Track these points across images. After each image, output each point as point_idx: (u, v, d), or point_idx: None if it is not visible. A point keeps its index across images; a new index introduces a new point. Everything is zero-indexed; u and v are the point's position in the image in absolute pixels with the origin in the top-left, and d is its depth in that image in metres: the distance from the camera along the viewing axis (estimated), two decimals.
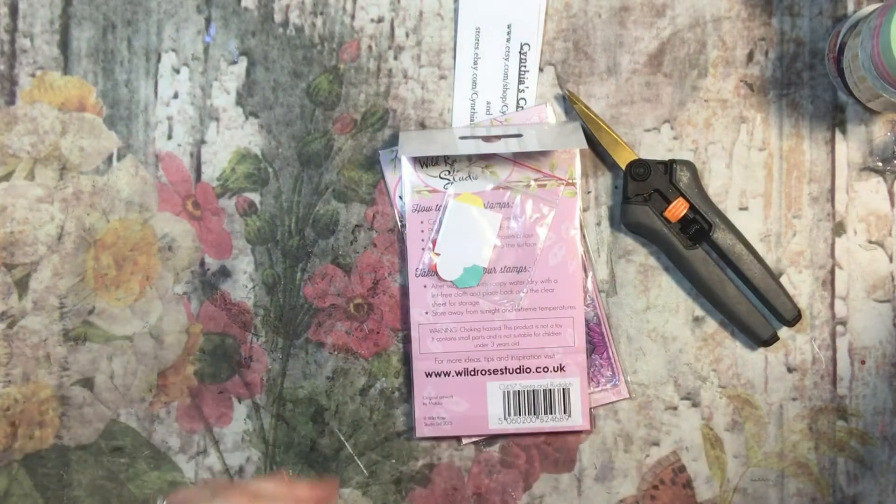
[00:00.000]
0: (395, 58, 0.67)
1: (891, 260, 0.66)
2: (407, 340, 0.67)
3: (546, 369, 0.66)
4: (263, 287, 0.67)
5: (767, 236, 0.66)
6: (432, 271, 0.66)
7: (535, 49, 0.67)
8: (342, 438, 0.67)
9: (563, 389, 0.66)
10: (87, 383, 0.68)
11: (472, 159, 0.66)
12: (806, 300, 0.66)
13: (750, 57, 0.67)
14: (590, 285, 0.67)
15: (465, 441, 0.67)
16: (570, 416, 0.66)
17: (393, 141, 0.67)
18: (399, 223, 0.67)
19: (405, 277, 0.67)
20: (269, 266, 0.67)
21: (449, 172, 0.66)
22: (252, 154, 0.67)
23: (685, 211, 0.65)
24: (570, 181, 0.66)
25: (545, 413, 0.66)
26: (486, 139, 0.65)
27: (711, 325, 0.67)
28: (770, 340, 0.65)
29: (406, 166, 0.66)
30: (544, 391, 0.67)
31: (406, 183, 0.67)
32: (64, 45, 0.68)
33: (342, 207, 0.67)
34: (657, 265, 0.67)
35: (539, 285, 0.66)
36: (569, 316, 0.66)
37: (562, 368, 0.66)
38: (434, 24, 0.67)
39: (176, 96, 0.68)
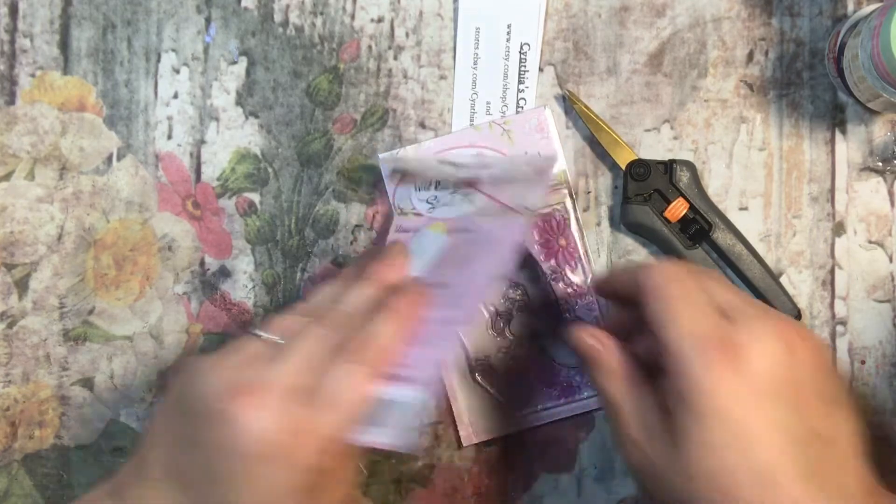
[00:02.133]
0: (395, 58, 0.67)
1: (891, 260, 0.66)
2: None
3: None
4: (263, 287, 0.67)
5: (767, 236, 0.66)
6: None
7: (535, 49, 0.67)
8: None
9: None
10: (87, 383, 0.68)
11: (455, 187, 0.65)
12: (806, 300, 0.66)
13: (750, 57, 0.66)
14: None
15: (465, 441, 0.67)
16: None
17: (393, 142, 0.67)
18: None
19: None
20: (269, 266, 0.67)
21: (436, 198, 0.66)
22: (252, 154, 0.67)
23: (685, 211, 0.65)
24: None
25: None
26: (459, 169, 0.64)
27: None
28: None
29: (401, 187, 0.66)
30: None
31: (398, 200, 0.66)
32: (64, 45, 0.68)
33: (342, 207, 0.67)
34: None
35: None
36: None
37: None
38: (434, 24, 0.67)
39: (176, 96, 0.68)
